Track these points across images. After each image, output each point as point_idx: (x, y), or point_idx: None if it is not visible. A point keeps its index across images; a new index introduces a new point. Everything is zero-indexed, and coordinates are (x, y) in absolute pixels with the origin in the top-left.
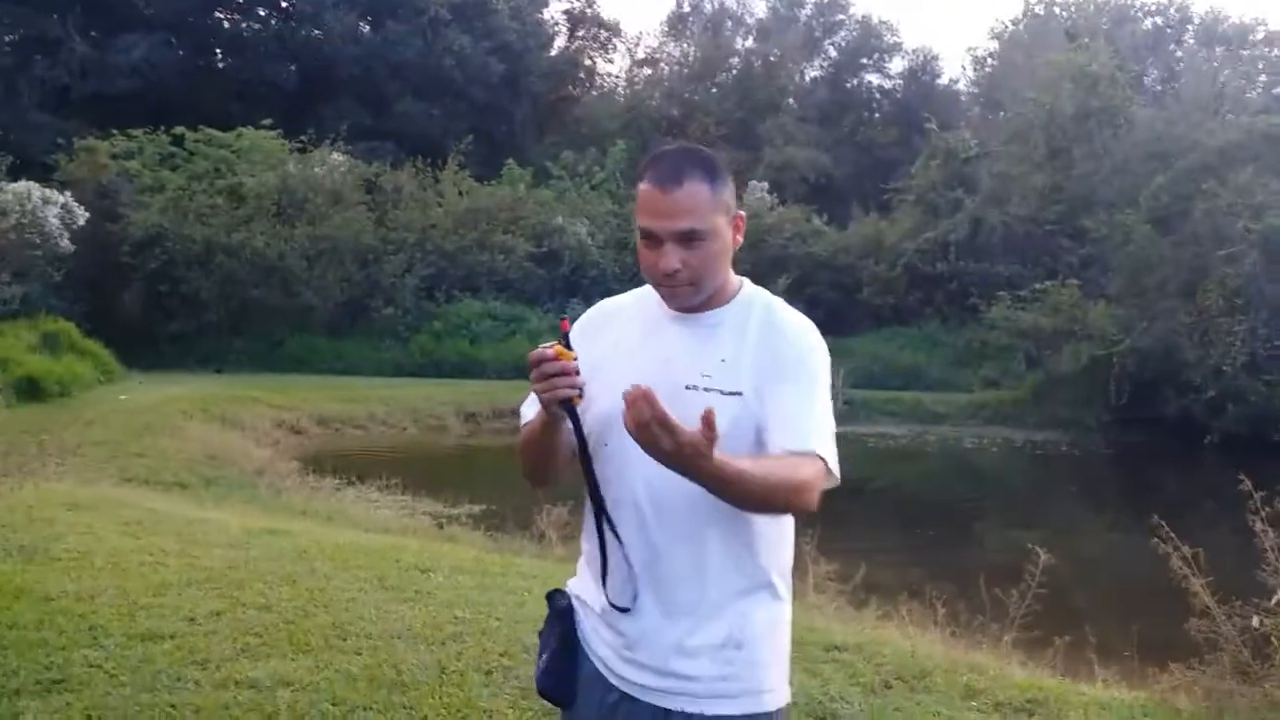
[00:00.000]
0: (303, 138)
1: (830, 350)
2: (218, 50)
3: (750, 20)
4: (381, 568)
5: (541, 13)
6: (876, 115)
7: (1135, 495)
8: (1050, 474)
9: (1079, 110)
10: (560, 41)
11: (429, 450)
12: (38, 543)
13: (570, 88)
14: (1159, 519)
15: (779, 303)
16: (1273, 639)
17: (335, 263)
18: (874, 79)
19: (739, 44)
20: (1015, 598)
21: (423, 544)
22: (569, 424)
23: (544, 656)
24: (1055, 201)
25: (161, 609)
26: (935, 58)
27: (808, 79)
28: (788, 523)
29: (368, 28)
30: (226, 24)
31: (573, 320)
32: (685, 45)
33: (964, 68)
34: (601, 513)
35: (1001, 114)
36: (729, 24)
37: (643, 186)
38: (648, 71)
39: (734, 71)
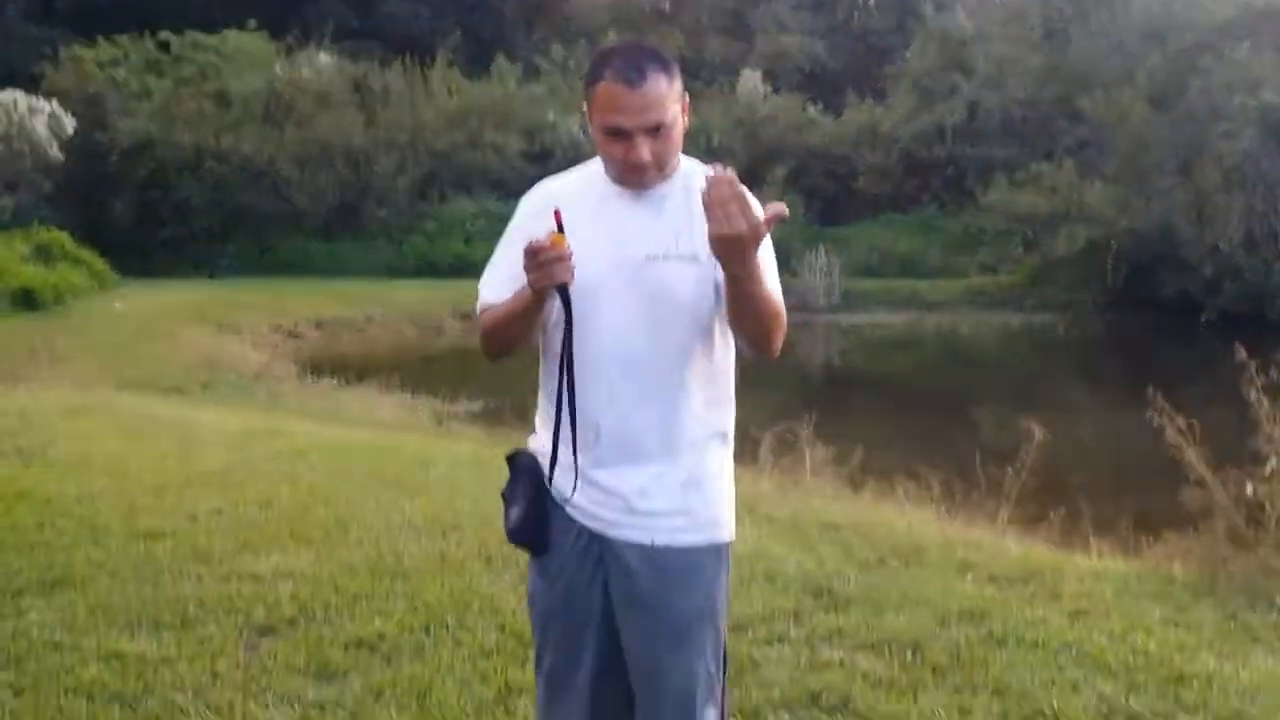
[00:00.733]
0: (289, 39)
1: (828, 240)
2: None
3: None
4: (381, 463)
5: None
6: (871, 1)
7: (1132, 376)
8: (1047, 357)
9: None
10: None
11: (426, 351)
12: (35, 447)
13: None
14: (1155, 392)
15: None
16: (1266, 506)
17: (325, 165)
18: None
19: None
20: (1011, 475)
21: (422, 440)
22: (556, 303)
23: (514, 511)
24: (1052, 83)
25: (161, 508)
26: None
27: None
28: (730, 383)
29: None
30: None
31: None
32: None
33: None
34: (571, 381)
35: None
36: None
37: (604, 85)
38: None
39: None
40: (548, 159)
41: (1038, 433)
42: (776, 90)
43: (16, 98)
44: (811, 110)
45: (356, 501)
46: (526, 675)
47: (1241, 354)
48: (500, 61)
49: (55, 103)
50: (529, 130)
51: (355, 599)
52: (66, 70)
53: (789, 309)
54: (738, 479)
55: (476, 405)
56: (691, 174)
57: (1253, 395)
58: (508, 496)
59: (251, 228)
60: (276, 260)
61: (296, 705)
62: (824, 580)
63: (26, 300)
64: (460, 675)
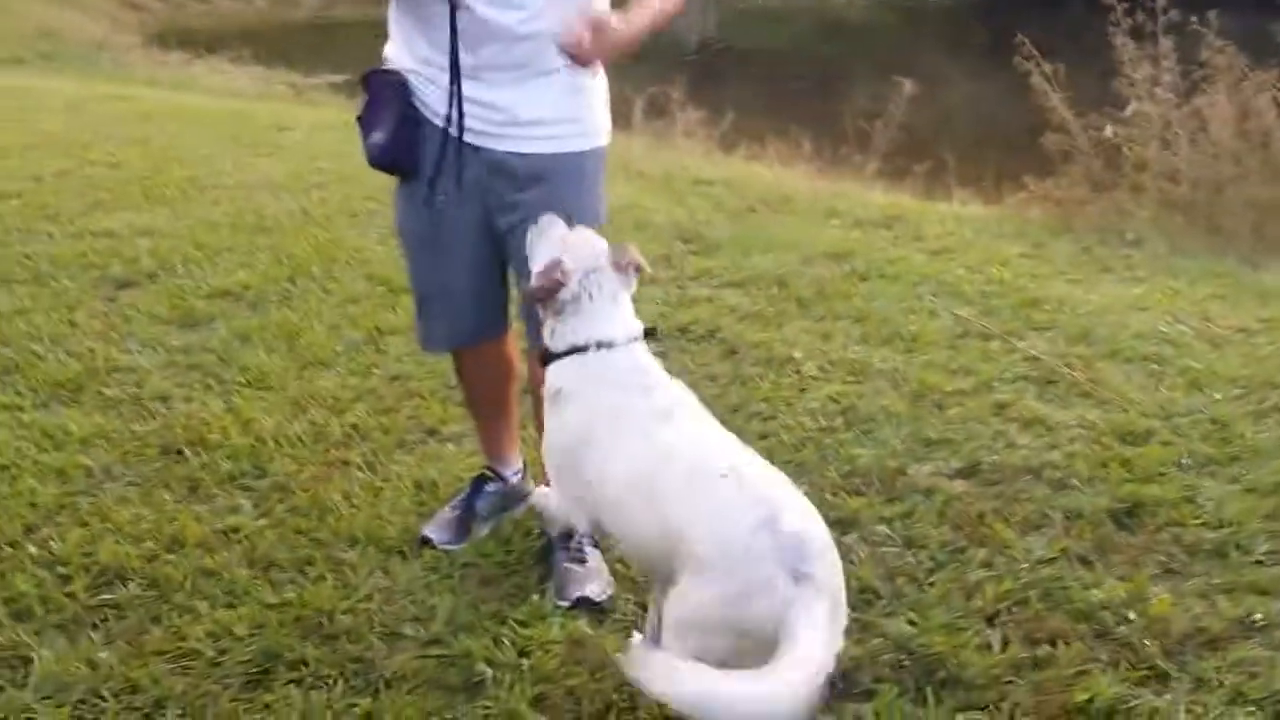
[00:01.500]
0: None
1: None
2: None
3: None
4: (235, 127)
5: None
6: None
7: (1000, 44)
8: (921, 28)
9: None
10: None
11: (282, 24)
12: None
13: None
14: (1023, 40)
15: None
16: (1124, 149)
17: None
18: None
19: None
20: (880, 128)
21: (279, 106)
22: None
23: (379, 133)
24: None
25: (3, 171)
26: None
27: None
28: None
29: None
30: None
31: None
32: None
33: None
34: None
35: None
36: None
37: None
38: None
39: None
40: None
41: (907, 86)
42: None
43: None
44: None
45: (212, 162)
46: (397, 319)
47: None
48: None
49: None
50: None
51: (217, 253)
52: None
53: None
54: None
55: (339, 78)
56: None
57: (1118, 39)
58: (367, 120)
59: None
60: None
61: (160, 350)
62: (694, 228)
63: None
64: (329, 320)
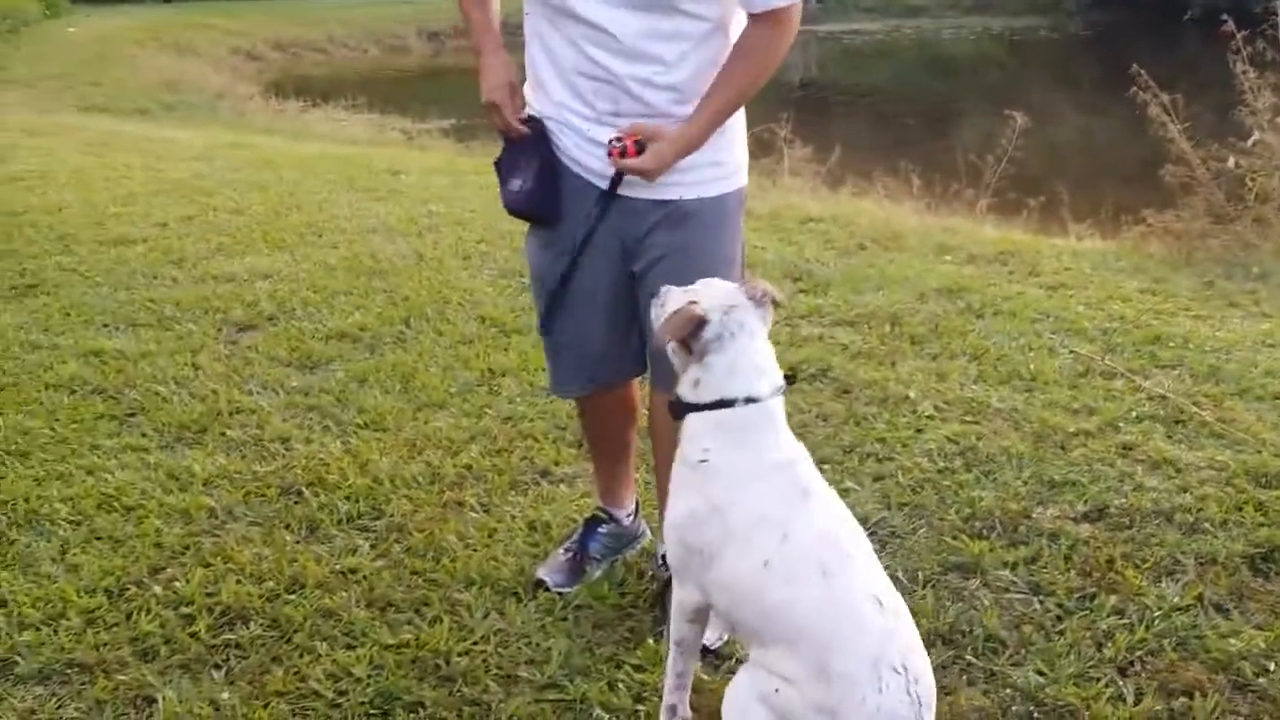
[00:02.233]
0: None
1: None
2: None
3: None
4: (351, 172)
5: None
6: None
7: (1113, 76)
8: (1029, 60)
9: None
10: None
11: (393, 71)
12: None
13: None
14: (1140, 71)
15: None
16: (1247, 180)
17: None
18: None
19: None
20: (991, 163)
21: (392, 152)
22: None
23: (518, 181)
24: None
25: (130, 217)
26: None
27: None
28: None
29: None
30: None
31: None
32: None
33: None
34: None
35: None
36: None
37: None
38: None
39: None
40: None
41: (1019, 119)
42: None
43: None
44: None
45: (328, 207)
46: (509, 360)
47: (1230, 25)
48: None
49: None
50: None
51: (334, 295)
52: None
53: None
54: None
55: (447, 123)
56: None
57: (1238, 67)
58: (505, 166)
59: None
60: None
61: (280, 392)
62: (803, 266)
63: None
64: (443, 361)
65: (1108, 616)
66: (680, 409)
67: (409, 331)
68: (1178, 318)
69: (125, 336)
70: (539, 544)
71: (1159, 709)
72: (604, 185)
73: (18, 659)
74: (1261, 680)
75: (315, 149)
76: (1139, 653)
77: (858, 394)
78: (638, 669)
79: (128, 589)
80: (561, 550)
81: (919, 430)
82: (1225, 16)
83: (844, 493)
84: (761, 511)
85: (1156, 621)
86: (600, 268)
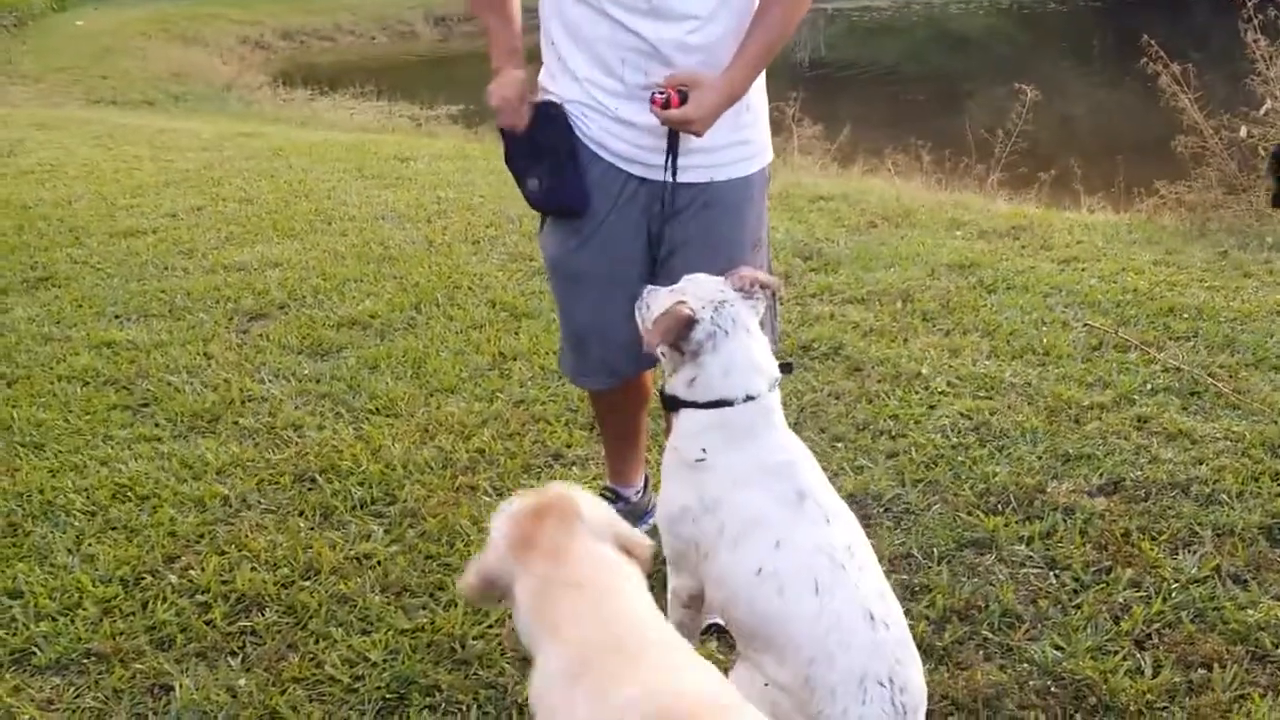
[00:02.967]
0: None
1: None
2: None
3: None
4: (360, 160)
5: None
6: None
7: (1122, 50)
8: (1038, 34)
9: None
10: None
11: (401, 58)
12: (7, 158)
13: None
14: (1149, 41)
15: None
16: (1260, 149)
17: None
18: None
19: None
20: (1002, 137)
21: (401, 139)
22: None
23: (534, 180)
24: None
25: (140, 208)
26: None
27: None
28: None
29: None
30: None
31: None
32: None
33: None
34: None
35: None
36: None
37: None
38: None
39: None
40: None
41: (1030, 93)
42: None
43: None
44: None
45: (337, 195)
46: (520, 344)
47: None
48: None
49: None
50: None
51: (344, 283)
52: None
53: None
54: None
55: (456, 109)
56: None
57: (1250, 35)
58: (519, 165)
59: None
60: None
61: (292, 379)
62: (814, 244)
63: None
64: (454, 346)
65: (1124, 590)
66: (675, 403)
67: (419, 317)
68: (1191, 289)
69: (137, 327)
70: None
71: (1177, 681)
72: (631, 170)
73: (35, 649)
74: None
75: (323, 137)
76: (1156, 625)
77: (870, 371)
78: None
79: (143, 578)
80: None
81: (932, 407)
82: None
83: (858, 470)
84: (755, 515)
85: (1174, 594)
86: (629, 257)
